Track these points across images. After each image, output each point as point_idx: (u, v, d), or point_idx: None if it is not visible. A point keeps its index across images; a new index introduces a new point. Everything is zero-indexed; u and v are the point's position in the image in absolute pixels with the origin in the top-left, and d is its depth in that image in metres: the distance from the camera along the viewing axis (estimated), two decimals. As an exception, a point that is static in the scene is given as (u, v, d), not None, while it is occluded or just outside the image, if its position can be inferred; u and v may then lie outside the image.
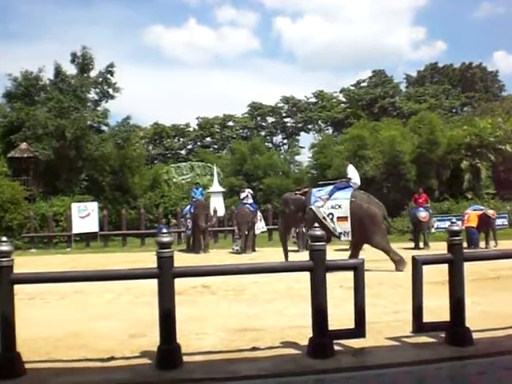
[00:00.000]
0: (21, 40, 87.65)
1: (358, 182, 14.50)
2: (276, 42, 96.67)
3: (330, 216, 13.54)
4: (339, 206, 13.53)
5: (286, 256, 14.78)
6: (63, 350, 6.19)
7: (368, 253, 13.27)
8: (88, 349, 6.23)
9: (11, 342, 5.32)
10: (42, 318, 8.17)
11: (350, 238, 13.75)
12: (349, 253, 13.84)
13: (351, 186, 14.13)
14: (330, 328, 5.73)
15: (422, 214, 19.73)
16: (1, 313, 5.31)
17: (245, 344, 6.23)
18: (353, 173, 14.61)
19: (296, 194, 15.21)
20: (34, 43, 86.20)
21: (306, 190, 14.92)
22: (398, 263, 12.81)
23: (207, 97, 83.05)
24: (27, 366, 5.41)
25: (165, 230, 6.49)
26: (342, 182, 14.62)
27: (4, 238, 5.58)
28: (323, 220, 13.51)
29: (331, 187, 14.23)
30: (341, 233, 13.57)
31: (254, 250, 19.80)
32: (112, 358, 5.83)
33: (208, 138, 65.64)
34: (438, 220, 24.08)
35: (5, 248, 5.40)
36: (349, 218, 13.37)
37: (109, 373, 5.44)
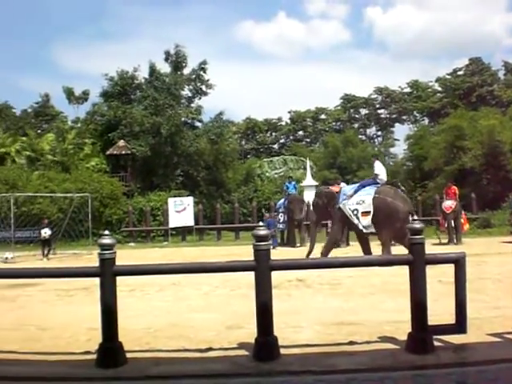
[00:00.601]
0: (115, 40, 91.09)
1: (385, 178, 14.64)
2: (367, 32, 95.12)
3: (355, 212, 13.77)
4: (363, 202, 13.72)
5: (311, 250, 14.95)
6: (162, 340, 6.36)
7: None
8: (186, 339, 6.38)
9: (113, 332, 5.50)
10: (142, 308, 8.44)
11: (373, 230, 13.78)
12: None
13: (377, 183, 14.24)
14: (430, 323, 5.58)
15: (528, 206, 18.77)
16: (104, 303, 5.50)
17: (341, 338, 6.17)
18: (380, 169, 14.75)
19: (332, 186, 15.76)
20: (128, 43, 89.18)
21: (340, 186, 14.96)
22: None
23: (299, 90, 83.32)
24: (128, 355, 5.57)
25: (261, 224, 6.51)
26: (369, 179, 14.92)
27: (106, 232, 5.79)
28: (349, 217, 13.88)
29: (357, 184, 14.68)
30: (364, 226, 13.75)
31: (348, 244, 19.64)
32: (210, 349, 5.93)
33: (300, 132, 65.72)
34: (540, 213, 22.91)
35: (108, 241, 5.59)
36: (371, 213, 13.49)
37: (207, 363, 5.53)
